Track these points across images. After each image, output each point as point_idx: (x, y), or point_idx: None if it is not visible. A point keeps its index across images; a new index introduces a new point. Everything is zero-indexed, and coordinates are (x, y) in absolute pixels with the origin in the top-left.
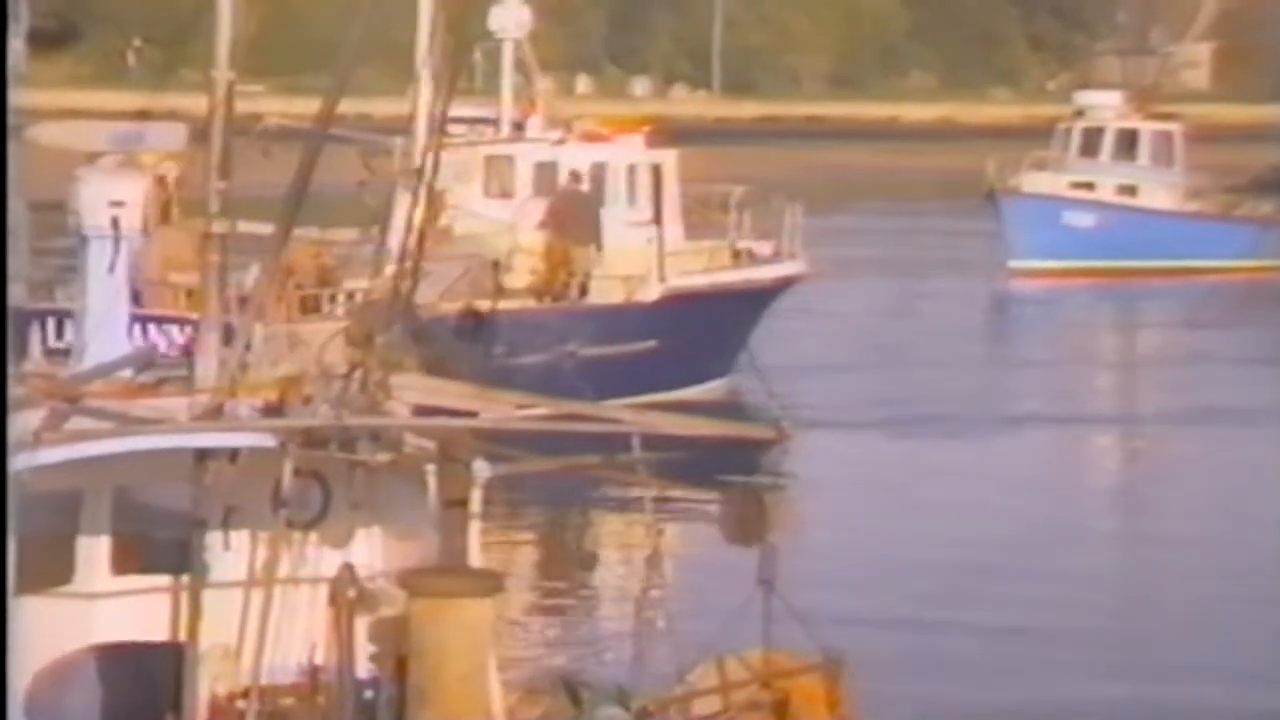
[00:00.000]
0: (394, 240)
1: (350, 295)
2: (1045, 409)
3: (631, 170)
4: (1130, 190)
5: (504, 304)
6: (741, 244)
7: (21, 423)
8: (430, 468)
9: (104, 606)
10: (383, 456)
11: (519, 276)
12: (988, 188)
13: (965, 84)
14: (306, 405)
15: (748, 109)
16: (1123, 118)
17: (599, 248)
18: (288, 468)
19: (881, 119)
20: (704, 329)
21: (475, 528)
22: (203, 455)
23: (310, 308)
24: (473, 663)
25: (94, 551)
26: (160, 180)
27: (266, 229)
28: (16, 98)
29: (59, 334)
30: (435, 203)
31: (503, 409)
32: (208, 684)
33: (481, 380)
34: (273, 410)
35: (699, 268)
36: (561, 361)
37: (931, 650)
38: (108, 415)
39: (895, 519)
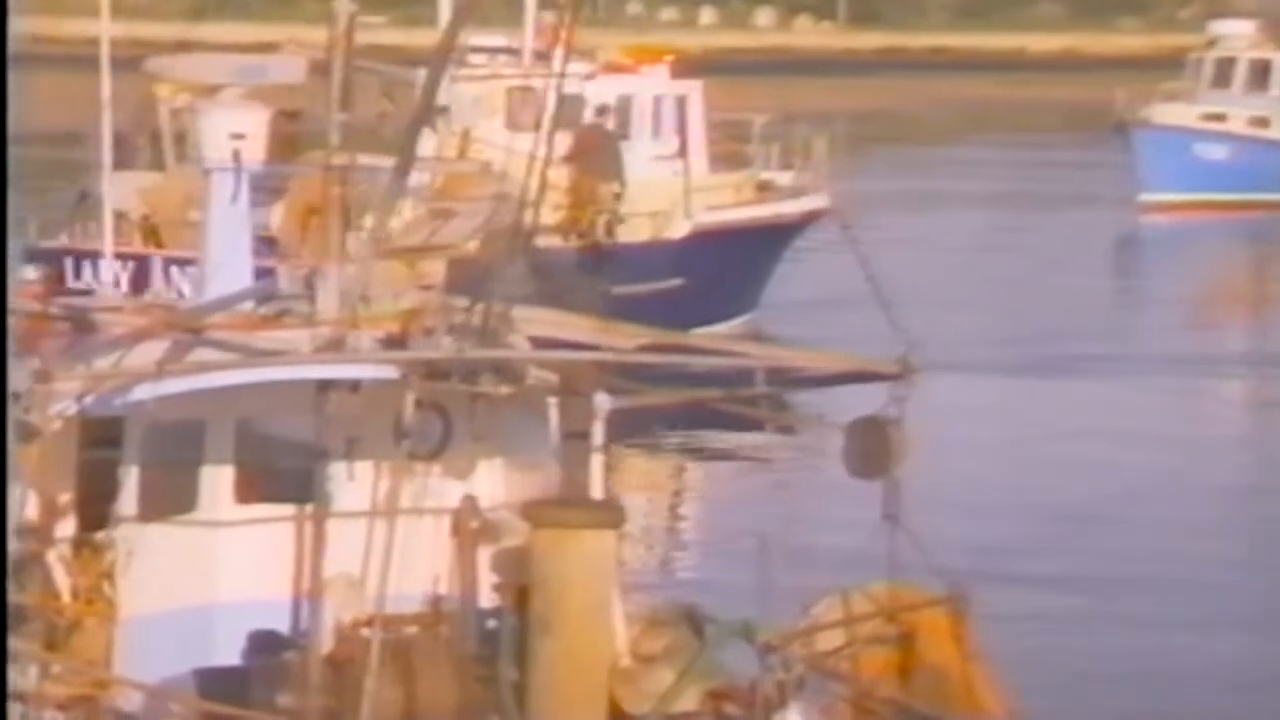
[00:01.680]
0: (415, 175)
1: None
2: (1174, 346)
3: (657, 102)
4: (1263, 122)
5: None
6: (764, 175)
7: (143, 353)
8: (552, 400)
9: (227, 534)
10: (504, 389)
11: (545, 214)
12: (1117, 119)
13: (1093, 13)
14: (428, 337)
15: (872, 40)
16: (1256, 48)
17: (622, 184)
18: (409, 399)
19: (1008, 50)
20: (731, 265)
21: (598, 460)
22: (325, 386)
23: None
24: (595, 594)
25: (218, 481)
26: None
27: (387, 162)
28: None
29: (77, 274)
30: (464, 140)
31: (623, 341)
32: (333, 612)
33: (602, 313)
34: (394, 342)
35: (725, 202)
36: (594, 301)
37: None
38: (230, 347)
39: (1019, 459)
